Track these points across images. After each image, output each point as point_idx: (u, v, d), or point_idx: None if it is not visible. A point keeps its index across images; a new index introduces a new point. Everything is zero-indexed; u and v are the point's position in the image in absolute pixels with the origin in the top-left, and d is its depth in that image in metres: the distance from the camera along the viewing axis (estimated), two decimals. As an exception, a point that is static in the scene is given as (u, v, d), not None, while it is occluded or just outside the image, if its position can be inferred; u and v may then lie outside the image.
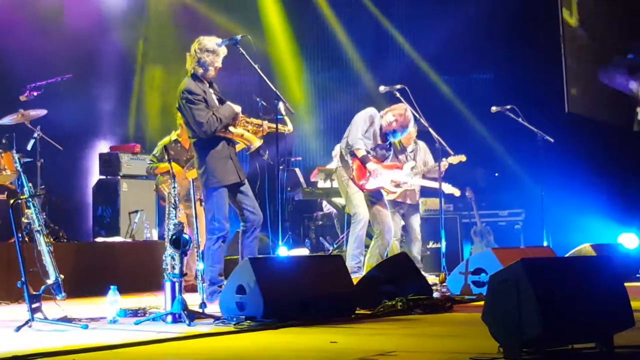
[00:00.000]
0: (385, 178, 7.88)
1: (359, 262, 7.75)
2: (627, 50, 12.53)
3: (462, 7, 11.96)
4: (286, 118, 6.63)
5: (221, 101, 6.60)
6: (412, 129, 8.46)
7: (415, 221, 9.03)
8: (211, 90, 6.59)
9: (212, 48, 6.50)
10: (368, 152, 7.77)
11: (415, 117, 7.86)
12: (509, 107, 8.48)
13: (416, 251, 8.93)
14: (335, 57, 13.44)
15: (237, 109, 6.56)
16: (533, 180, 10.34)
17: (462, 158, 8.62)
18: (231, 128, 6.51)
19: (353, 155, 7.76)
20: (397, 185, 8.16)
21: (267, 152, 8.30)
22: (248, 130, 6.59)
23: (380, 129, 7.87)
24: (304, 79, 13.32)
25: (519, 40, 12.15)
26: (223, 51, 6.57)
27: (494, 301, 3.68)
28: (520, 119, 8.46)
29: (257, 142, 6.56)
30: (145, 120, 11.65)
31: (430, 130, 7.90)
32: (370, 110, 7.89)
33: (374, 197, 7.83)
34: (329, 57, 13.51)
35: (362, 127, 7.79)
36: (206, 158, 6.47)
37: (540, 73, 12.00)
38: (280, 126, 6.62)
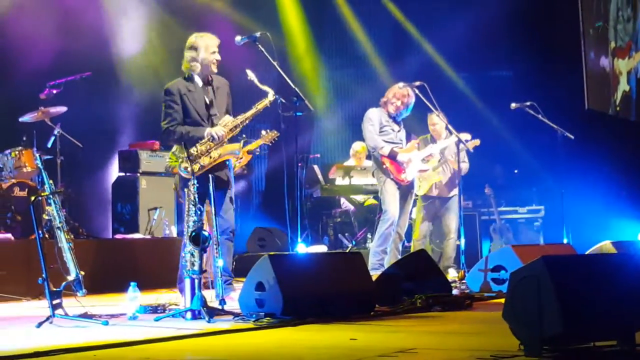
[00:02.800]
0: (417, 161, 8.16)
1: (381, 260, 7.81)
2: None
3: (481, 3, 11.91)
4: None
5: (212, 103, 6.44)
6: (438, 121, 8.69)
7: (448, 217, 8.96)
8: (206, 89, 6.45)
9: (190, 44, 6.41)
10: (392, 143, 8.02)
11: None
12: (528, 103, 8.43)
13: (450, 249, 8.86)
14: (353, 54, 13.42)
15: (218, 132, 6.29)
16: (553, 177, 10.29)
17: (476, 142, 8.59)
18: (212, 153, 6.31)
19: (380, 155, 7.98)
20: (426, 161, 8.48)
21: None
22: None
23: (392, 117, 8.11)
24: (322, 76, 13.31)
25: (539, 37, 12.08)
26: (206, 44, 6.40)
27: (514, 298, 3.66)
28: (540, 116, 8.41)
29: (236, 146, 6.42)
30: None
31: (449, 126, 7.90)
32: (370, 114, 8.13)
33: (403, 195, 8.02)
34: (347, 53, 13.49)
35: (374, 129, 8.05)
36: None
37: (559, 69, 11.92)
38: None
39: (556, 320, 3.45)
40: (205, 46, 6.41)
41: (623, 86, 12.45)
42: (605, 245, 7.96)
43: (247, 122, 6.48)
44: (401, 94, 8.04)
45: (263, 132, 6.66)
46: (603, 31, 12.37)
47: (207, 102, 6.45)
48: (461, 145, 7.99)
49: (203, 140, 6.30)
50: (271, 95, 6.42)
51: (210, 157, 6.29)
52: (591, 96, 11.88)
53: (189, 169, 5.89)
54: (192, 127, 6.35)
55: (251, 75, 6.43)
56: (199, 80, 6.46)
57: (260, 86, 6.41)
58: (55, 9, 10.01)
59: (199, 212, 5.47)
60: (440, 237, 9.13)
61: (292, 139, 6.90)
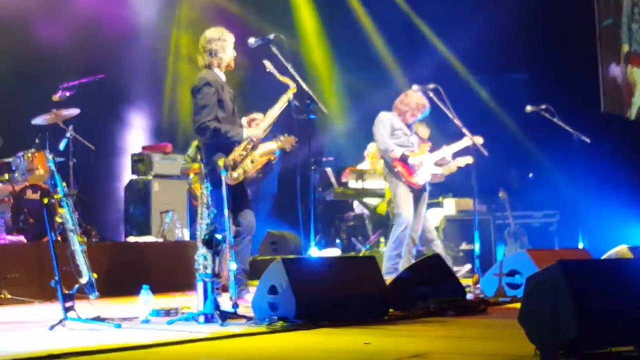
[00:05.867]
0: (429, 164, 8.14)
1: (396, 264, 7.78)
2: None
3: (496, 5, 11.86)
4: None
5: (234, 98, 6.49)
6: (424, 129, 8.93)
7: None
8: (228, 88, 6.49)
9: (217, 36, 6.41)
10: (403, 146, 8.00)
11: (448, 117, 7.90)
12: (544, 106, 8.39)
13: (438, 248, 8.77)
14: (367, 56, 13.39)
15: (257, 135, 6.32)
16: (568, 181, 10.23)
17: (469, 160, 8.35)
18: (251, 157, 6.28)
19: (392, 159, 7.97)
20: (440, 165, 8.34)
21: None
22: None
23: (407, 124, 8.14)
24: (335, 79, 13.29)
25: (554, 39, 12.02)
26: (230, 38, 6.46)
27: (530, 303, 3.63)
28: (555, 119, 8.36)
29: (275, 146, 6.43)
30: (177, 121, 11.69)
31: (464, 130, 7.86)
32: (382, 117, 8.13)
33: (416, 199, 8.01)
34: (361, 56, 13.46)
35: (385, 132, 8.06)
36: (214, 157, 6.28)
37: (575, 72, 11.86)
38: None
39: (572, 325, 3.42)
40: (232, 41, 6.47)
41: (639, 101, 11.52)
42: (622, 250, 7.91)
43: (275, 120, 6.47)
44: (422, 104, 8.05)
45: (281, 137, 6.60)
46: (614, 31, 11.61)
47: (232, 96, 6.48)
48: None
49: (243, 144, 6.24)
50: (292, 87, 6.41)
51: (253, 162, 6.22)
52: (607, 99, 11.71)
53: (238, 174, 5.93)
54: (228, 126, 6.27)
55: (269, 66, 6.41)
56: (221, 74, 6.46)
57: (280, 78, 6.41)
58: (68, 11, 10.03)
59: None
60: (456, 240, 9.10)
61: (305, 141, 6.87)
